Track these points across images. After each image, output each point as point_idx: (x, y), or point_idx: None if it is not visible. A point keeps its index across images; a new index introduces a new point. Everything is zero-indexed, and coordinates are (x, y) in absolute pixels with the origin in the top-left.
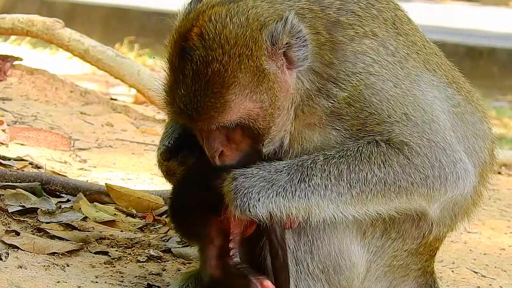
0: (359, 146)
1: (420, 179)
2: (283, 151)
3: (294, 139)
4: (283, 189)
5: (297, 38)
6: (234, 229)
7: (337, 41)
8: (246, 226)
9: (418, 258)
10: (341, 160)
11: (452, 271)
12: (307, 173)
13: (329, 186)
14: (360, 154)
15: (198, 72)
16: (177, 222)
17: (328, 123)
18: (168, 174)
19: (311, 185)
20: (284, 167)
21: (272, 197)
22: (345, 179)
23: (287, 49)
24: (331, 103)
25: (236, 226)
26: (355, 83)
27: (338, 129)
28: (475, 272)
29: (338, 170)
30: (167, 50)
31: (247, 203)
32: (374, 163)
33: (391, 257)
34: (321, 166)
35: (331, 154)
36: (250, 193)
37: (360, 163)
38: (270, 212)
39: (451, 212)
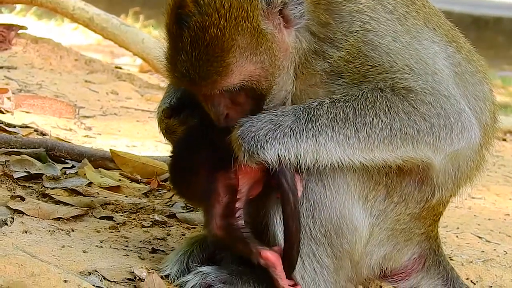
0: (363, 92)
1: (426, 127)
2: None
3: (298, 98)
4: (290, 129)
5: None
6: (242, 186)
7: (333, 0)
8: (253, 183)
9: (421, 222)
10: (347, 104)
11: (457, 236)
12: (314, 113)
13: (336, 128)
14: (365, 99)
15: (196, 38)
16: (178, 181)
17: (330, 81)
18: (167, 132)
19: (318, 125)
20: (290, 109)
21: (280, 137)
22: (352, 122)
23: (282, 7)
24: (328, 63)
25: (244, 182)
26: (353, 42)
27: (340, 84)
28: (480, 237)
29: (345, 113)
30: (165, 19)
31: (254, 145)
32: (380, 108)
33: (394, 221)
34: (328, 108)
35: (337, 98)
36: (257, 136)
37: (366, 107)
38: (278, 155)
39: (453, 176)
